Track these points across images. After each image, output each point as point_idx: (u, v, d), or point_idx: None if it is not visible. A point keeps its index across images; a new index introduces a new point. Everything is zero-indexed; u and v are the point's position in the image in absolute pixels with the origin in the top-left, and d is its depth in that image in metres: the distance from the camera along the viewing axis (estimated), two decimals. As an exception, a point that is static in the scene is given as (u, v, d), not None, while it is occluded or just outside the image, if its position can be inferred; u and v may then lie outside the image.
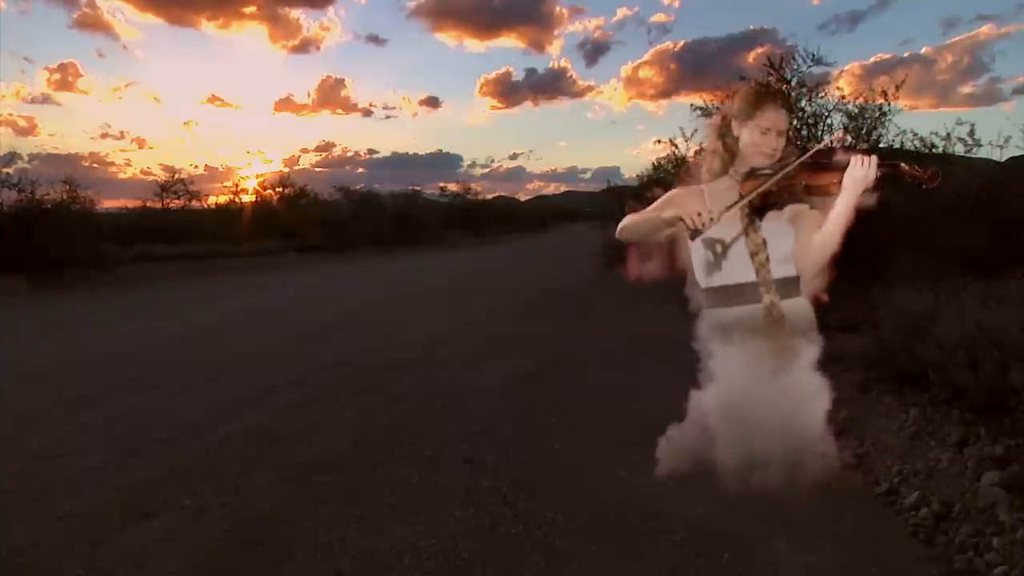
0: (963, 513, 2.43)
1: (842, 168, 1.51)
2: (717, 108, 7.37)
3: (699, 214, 1.49)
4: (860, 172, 1.48)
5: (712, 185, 1.71)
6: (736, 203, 1.57)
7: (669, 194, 1.73)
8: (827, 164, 1.56)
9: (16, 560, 2.35)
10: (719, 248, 1.63)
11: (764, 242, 1.61)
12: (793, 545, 2.26)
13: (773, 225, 1.63)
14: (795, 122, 6.45)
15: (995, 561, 2.11)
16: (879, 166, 1.48)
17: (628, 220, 1.70)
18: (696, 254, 1.69)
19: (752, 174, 1.62)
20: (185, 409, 4.19)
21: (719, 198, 1.64)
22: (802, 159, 1.57)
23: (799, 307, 1.64)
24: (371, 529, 2.52)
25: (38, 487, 3.01)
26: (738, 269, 1.63)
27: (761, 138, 1.62)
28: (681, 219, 1.52)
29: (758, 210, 1.61)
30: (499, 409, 4.11)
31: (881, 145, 6.56)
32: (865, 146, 6.33)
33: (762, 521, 2.37)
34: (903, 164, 1.50)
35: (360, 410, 4.12)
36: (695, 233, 1.52)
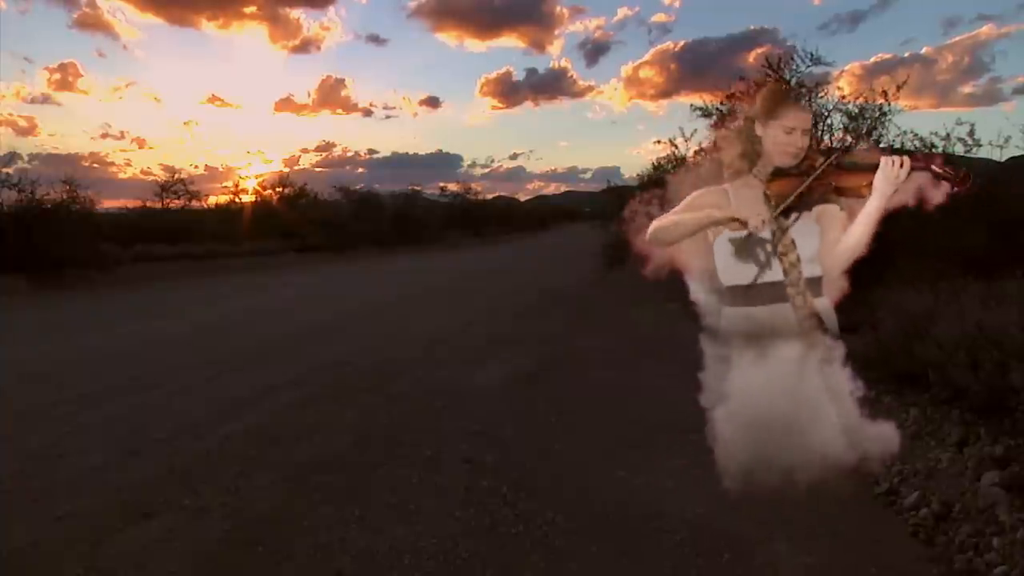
0: (963, 513, 2.43)
1: (873, 169, 1.51)
2: (718, 108, 7.38)
3: (757, 215, 1.51)
4: (892, 173, 1.47)
5: (735, 185, 1.71)
6: (788, 202, 1.57)
7: (695, 195, 1.72)
8: (858, 165, 1.55)
9: (16, 560, 2.35)
10: (765, 250, 1.63)
11: (793, 243, 1.62)
12: (793, 545, 2.26)
13: (800, 225, 1.63)
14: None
15: (995, 561, 2.11)
16: (912, 167, 1.47)
17: (666, 221, 1.67)
18: (720, 252, 1.69)
19: (778, 174, 1.63)
20: (185, 409, 4.19)
21: (743, 197, 1.65)
22: (830, 159, 1.57)
23: (823, 307, 1.65)
24: (371, 529, 2.53)
25: (38, 487, 3.01)
26: (771, 269, 1.63)
27: (786, 137, 1.62)
28: (736, 219, 1.54)
29: (787, 210, 1.62)
30: (499, 409, 4.11)
31: (881, 145, 6.56)
32: (865, 146, 6.33)
33: (762, 521, 2.37)
34: (934, 165, 1.48)
35: (360, 410, 4.12)
36: (749, 237, 1.53)
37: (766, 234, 1.59)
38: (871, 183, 1.51)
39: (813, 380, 1.60)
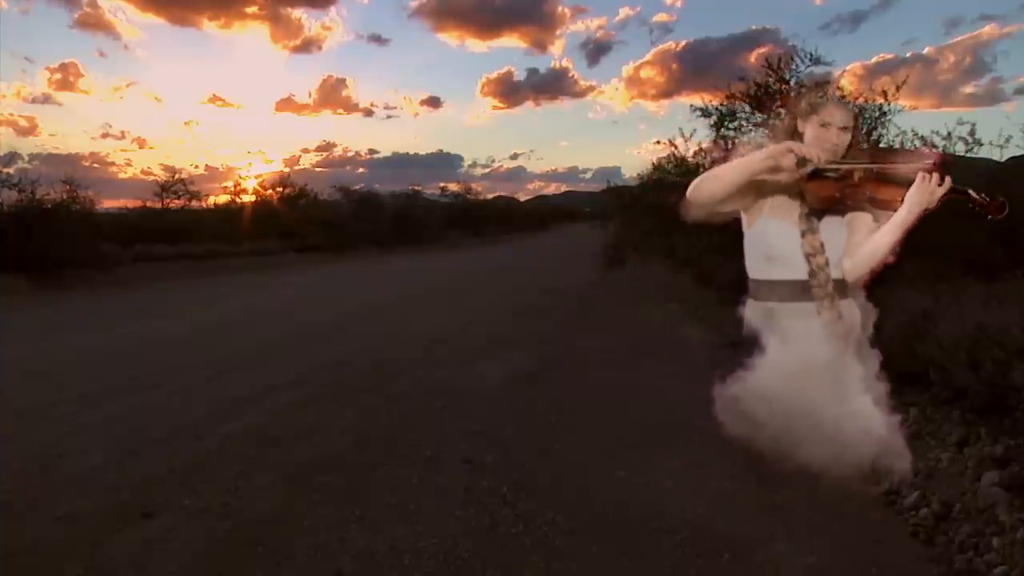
0: (963, 513, 2.43)
1: (909, 184, 1.52)
2: (719, 108, 7.37)
3: (811, 149, 1.51)
4: (927, 190, 1.49)
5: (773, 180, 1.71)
6: (849, 164, 1.59)
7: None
8: (896, 179, 1.56)
9: (16, 560, 2.35)
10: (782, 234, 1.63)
11: (822, 245, 1.63)
12: (793, 545, 2.26)
13: (831, 229, 1.65)
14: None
15: (995, 561, 2.11)
16: (949, 191, 1.49)
17: (711, 172, 1.63)
18: (750, 245, 1.71)
19: (816, 175, 1.63)
20: (185, 409, 4.19)
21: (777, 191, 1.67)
22: (866, 165, 1.59)
23: (848, 309, 1.67)
24: (371, 529, 2.52)
25: (38, 487, 3.00)
26: (795, 267, 1.64)
27: (822, 131, 1.63)
28: (792, 151, 1.51)
29: (819, 213, 1.63)
30: (499, 409, 4.11)
31: (881, 145, 6.55)
32: (865, 146, 6.31)
33: (762, 521, 2.37)
34: (972, 191, 1.49)
35: (360, 410, 4.12)
36: (802, 163, 1.50)
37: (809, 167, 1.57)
38: (904, 198, 1.52)
39: (838, 364, 1.61)
